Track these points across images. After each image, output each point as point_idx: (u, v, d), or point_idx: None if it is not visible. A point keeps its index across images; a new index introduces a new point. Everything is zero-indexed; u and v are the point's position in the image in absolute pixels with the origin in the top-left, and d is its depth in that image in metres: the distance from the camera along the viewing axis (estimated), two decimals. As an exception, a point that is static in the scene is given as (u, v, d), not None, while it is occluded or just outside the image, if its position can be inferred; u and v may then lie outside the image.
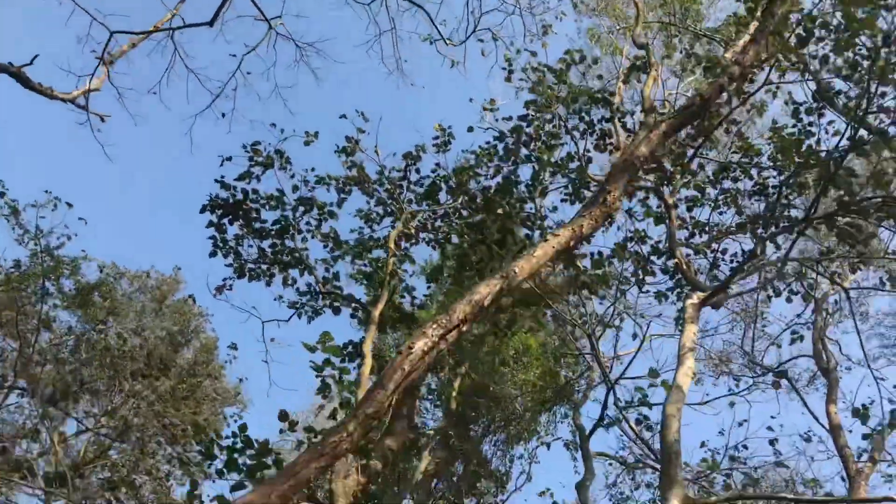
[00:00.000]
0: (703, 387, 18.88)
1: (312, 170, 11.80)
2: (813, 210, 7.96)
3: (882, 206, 9.67)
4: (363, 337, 10.00)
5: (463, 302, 5.89)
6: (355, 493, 7.76)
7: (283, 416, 8.19)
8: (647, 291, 12.33)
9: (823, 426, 14.84)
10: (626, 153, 6.95)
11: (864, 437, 8.62)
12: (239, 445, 8.09)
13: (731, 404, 10.50)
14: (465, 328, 5.86)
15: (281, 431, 8.94)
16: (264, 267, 12.53)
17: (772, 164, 10.54)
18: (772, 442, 10.92)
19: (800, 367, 20.26)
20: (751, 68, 8.12)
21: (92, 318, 15.53)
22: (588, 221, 6.63)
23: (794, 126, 9.97)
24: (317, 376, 8.68)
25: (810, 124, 9.85)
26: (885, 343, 19.20)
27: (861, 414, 8.62)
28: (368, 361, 9.33)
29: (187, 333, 20.27)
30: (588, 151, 11.44)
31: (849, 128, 8.29)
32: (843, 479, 14.29)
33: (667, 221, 9.98)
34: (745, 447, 11.22)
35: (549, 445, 15.58)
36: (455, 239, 12.93)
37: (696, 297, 7.89)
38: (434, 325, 5.69)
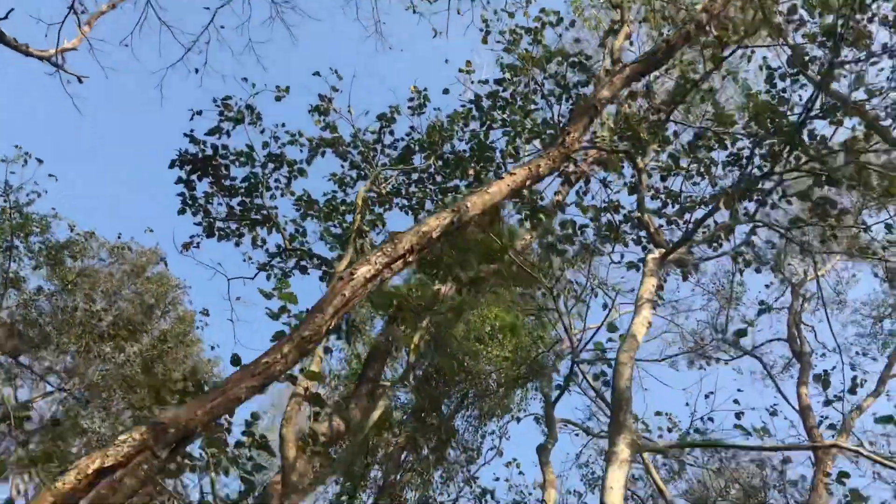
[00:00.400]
0: (678, 370, 18.90)
1: (283, 125, 11.63)
2: (779, 166, 7.85)
3: (853, 174, 9.63)
4: (325, 291, 9.83)
5: (410, 232, 5.76)
6: (305, 439, 7.62)
7: (235, 360, 8.04)
8: (619, 263, 12.27)
9: (794, 407, 14.87)
10: (589, 96, 6.83)
11: (826, 403, 8.55)
12: (190, 390, 7.98)
13: (691, 362, 10.41)
14: (410, 258, 5.74)
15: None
16: (233, 227, 12.37)
17: (746, 133, 10.43)
18: (738, 415, 10.81)
19: (776, 353, 20.32)
20: (718, 18, 8.00)
21: (61, 278, 15.31)
22: (546, 162, 6.51)
23: (767, 91, 9.87)
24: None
25: (784, 90, 9.76)
26: (860, 332, 19.26)
27: (823, 380, 8.56)
28: (329, 314, 9.21)
29: (164, 305, 20.07)
30: (563, 117, 11.31)
31: (816, 92, 8.22)
32: (810, 460, 14.34)
33: (638, 185, 9.87)
34: (711, 420, 11.13)
35: (518, 419, 15.47)
36: (429, 205, 12.79)
37: (657, 252, 7.81)
38: (379, 254, 5.57)
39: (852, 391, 8.32)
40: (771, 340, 16.98)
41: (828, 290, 19.84)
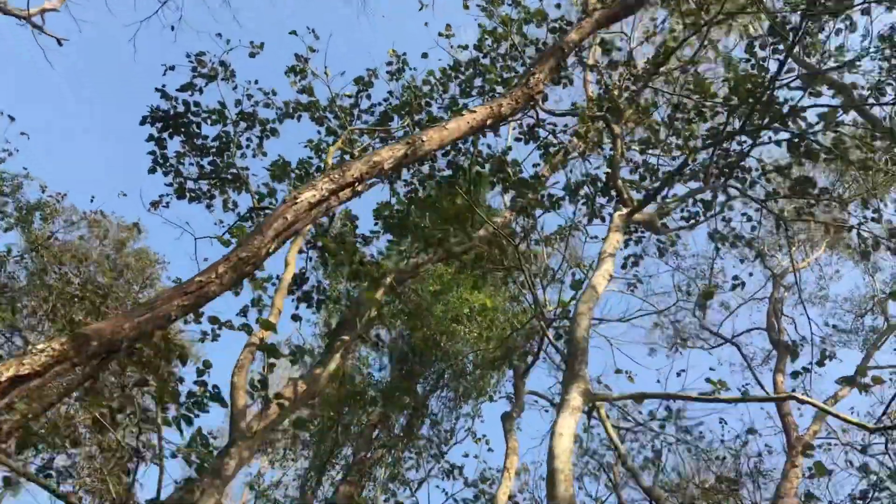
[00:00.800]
0: (655, 358, 18.81)
1: (256, 82, 11.41)
2: (744, 124, 7.71)
3: (831, 147, 9.48)
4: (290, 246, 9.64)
5: (360, 161, 5.57)
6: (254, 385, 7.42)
7: (188, 306, 7.84)
8: (595, 237, 12.14)
9: (769, 394, 14.74)
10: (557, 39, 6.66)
11: (793, 375, 8.39)
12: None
13: (656, 325, 10.25)
14: (359, 188, 5.55)
15: (186, 322, 8.62)
16: (204, 188, 12.16)
17: (725, 104, 10.26)
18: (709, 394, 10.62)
19: (755, 345, 20.23)
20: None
21: (31, 241, 15.03)
22: (508, 101, 6.33)
23: (747, 61, 9.72)
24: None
25: (764, 59, 9.60)
26: (841, 328, 19.17)
27: (791, 351, 8.41)
28: (291, 269, 9.04)
29: (143, 280, 19.78)
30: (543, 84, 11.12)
31: (787, 54, 8.07)
32: (783, 449, 14.25)
33: (612, 151, 9.71)
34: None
35: (492, 398, 15.30)
36: (406, 174, 12.60)
37: (623, 210, 7.66)
38: (325, 180, 5.37)
39: (820, 363, 8.17)
40: (750, 330, 16.91)
41: (811, 285, 19.86)
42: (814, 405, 5.47)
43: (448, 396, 17.21)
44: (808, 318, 9.66)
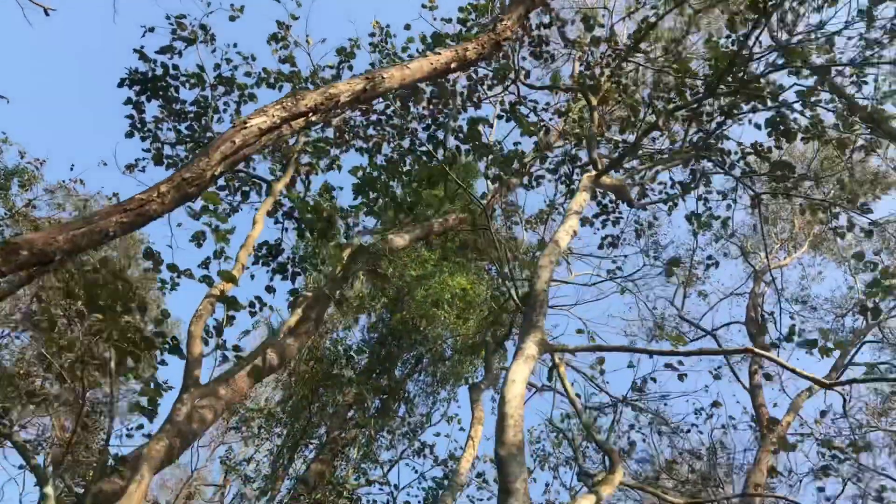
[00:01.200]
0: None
1: (235, 45, 11.30)
2: (716, 87, 7.65)
3: (808, 127, 9.44)
4: (259, 208, 9.53)
5: (316, 91, 5.47)
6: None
7: (148, 254, 7.74)
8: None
9: (744, 386, 14.69)
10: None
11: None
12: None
13: (623, 291, 10.16)
14: (313, 118, 5.44)
15: (146, 271, 8.50)
16: (182, 154, 12.04)
17: (703, 83, 10.20)
18: (680, 377, 10.56)
19: (735, 341, 20.15)
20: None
21: (9, 207, 14.89)
22: (474, 46, 6.24)
23: (727, 37, 9.67)
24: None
25: (745, 36, 9.53)
26: (812, 304, 19.13)
27: (761, 326, 8.33)
28: (259, 227, 8.93)
29: (128, 262, 19.66)
30: (524, 58, 11.09)
31: (760, 22, 8.00)
32: (754, 431, 14.23)
33: (589, 124, 9.64)
34: (654, 380, 10.91)
35: (467, 381, 15.18)
36: (387, 148, 12.50)
37: (592, 172, 7.58)
38: (278, 107, 5.26)
39: (789, 339, 8.08)
40: (730, 324, 16.84)
41: (793, 285, 19.79)
42: (769, 358, 5.39)
43: (426, 381, 17.10)
44: (779, 294, 9.46)
